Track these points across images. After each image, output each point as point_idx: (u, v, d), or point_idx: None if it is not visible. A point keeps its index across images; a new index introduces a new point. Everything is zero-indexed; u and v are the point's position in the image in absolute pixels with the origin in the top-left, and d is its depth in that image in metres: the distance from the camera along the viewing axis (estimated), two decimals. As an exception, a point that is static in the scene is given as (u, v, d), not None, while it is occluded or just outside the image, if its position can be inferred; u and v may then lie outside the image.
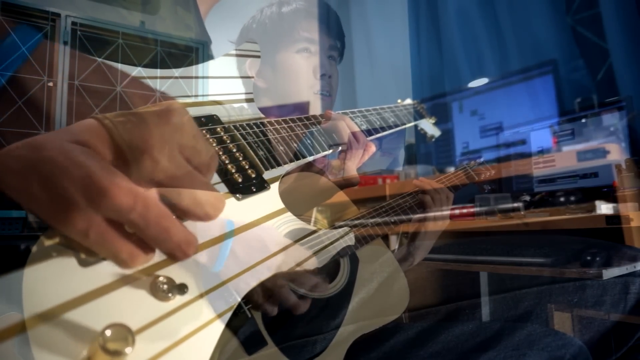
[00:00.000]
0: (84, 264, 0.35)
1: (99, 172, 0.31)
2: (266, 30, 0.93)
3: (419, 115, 1.02)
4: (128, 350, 0.34)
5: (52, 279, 0.34)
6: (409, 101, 1.02)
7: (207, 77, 0.63)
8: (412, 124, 0.97)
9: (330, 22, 0.95)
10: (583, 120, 1.35)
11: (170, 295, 0.39)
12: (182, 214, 0.35)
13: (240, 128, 0.58)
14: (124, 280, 0.37)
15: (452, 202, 0.92)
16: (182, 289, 0.39)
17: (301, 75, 0.90)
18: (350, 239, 0.67)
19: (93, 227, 0.31)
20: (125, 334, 0.34)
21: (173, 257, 0.34)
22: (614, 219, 0.99)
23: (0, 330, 0.32)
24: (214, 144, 0.53)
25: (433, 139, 1.12)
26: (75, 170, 0.30)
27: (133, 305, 0.37)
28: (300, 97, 0.90)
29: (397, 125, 0.91)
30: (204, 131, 0.54)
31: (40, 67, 0.92)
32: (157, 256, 0.38)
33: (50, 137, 0.33)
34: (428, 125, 1.09)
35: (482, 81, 1.73)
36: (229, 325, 0.43)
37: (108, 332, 0.34)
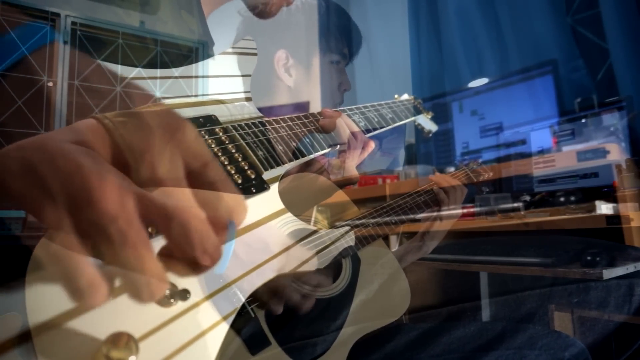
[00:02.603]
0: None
1: (99, 172, 0.30)
2: (313, 28, 0.93)
3: (416, 111, 1.02)
4: (132, 358, 0.33)
5: (53, 286, 0.34)
6: (406, 96, 1.02)
7: (207, 77, 0.63)
8: (409, 119, 0.97)
9: (359, 42, 0.97)
10: (583, 120, 1.35)
11: (172, 301, 0.38)
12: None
13: (239, 128, 0.58)
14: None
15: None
16: (184, 294, 0.39)
17: (329, 87, 0.91)
18: (351, 239, 0.67)
19: (121, 217, 0.28)
20: (129, 341, 0.34)
21: (196, 265, 0.31)
22: (614, 219, 0.99)
23: (1, 333, 0.31)
24: (213, 145, 0.53)
25: (430, 134, 1.12)
26: (75, 170, 0.30)
27: (135, 312, 0.36)
28: (321, 105, 0.91)
29: (394, 122, 0.91)
30: (202, 132, 0.53)
31: (40, 67, 0.92)
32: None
33: (50, 137, 0.32)
34: (425, 121, 1.09)
35: (482, 81, 1.73)
36: (233, 326, 0.43)
37: (111, 341, 0.33)
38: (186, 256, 0.31)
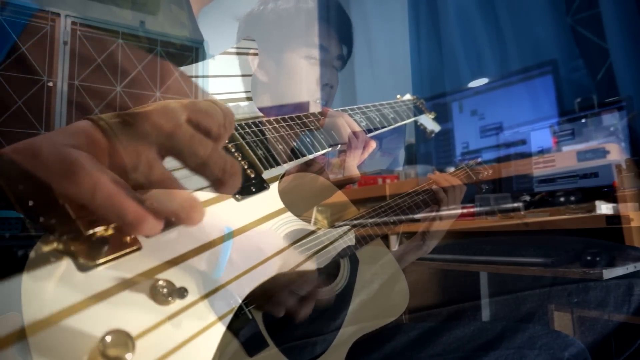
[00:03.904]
0: (82, 269, 0.35)
1: (95, 174, 0.30)
2: (280, 24, 0.92)
3: (418, 111, 1.02)
4: (128, 356, 0.33)
5: (50, 285, 0.34)
6: (408, 96, 1.02)
7: (207, 77, 0.63)
8: (411, 119, 0.97)
9: (343, 29, 0.94)
10: (583, 120, 1.35)
11: (170, 299, 0.38)
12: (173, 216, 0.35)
13: (238, 127, 0.58)
14: (123, 285, 0.36)
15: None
16: (182, 292, 0.39)
17: (304, 82, 0.90)
18: (350, 239, 0.67)
19: (100, 187, 0.31)
20: (126, 339, 0.34)
21: (177, 217, 0.34)
22: (614, 219, 0.98)
23: (1, 333, 0.31)
24: None
25: (433, 135, 1.11)
26: (72, 173, 0.30)
27: (133, 310, 0.36)
28: (299, 101, 0.90)
29: (396, 122, 0.91)
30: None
31: (40, 67, 0.92)
32: (157, 259, 0.38)
33: (45, 140, 0.32)
34: (427, 121, 1.08)
35: (482, 81, 1.73)
36: (230, 327, 0.43)
37: (108, 338, 0.33)
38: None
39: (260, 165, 0.56)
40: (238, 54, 0.66)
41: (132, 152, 0.33)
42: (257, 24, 0.94)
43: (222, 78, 0.64)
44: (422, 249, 0.93)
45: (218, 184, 0.38)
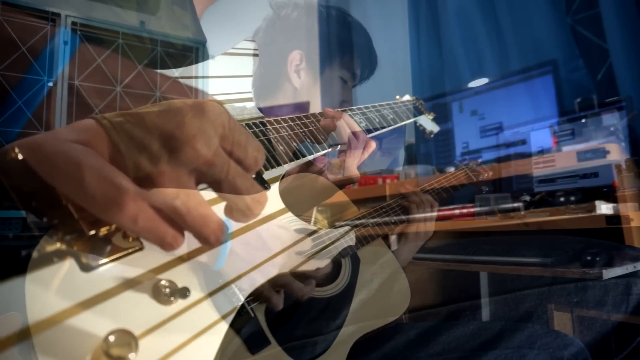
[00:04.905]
0: (85, 268, 0.35)
1: (98, 170, 0.31)
2: (333, 40, 0.95)
3: (417, 112, 1.02)
4: (132, 355, 0.34)
5: (53, 284, 0.34)
6: (407, 97, 1.02)
7: (208, 77, 0.63)
8: (410, 120, 0.97)
9: (372, 65, 0.99)
10: (583, 120, 1.35)
11: (172, 298, 0.39)
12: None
13: (240, 128, 0.58)
14: (126, 285, 0.37)
15: (452, 202, 0.93)
16: (184, 292, 0.39)
17: (332, 101, 0.92)
18: (351, 239, 0.67)
19: (142, 214, 0.31)
20: (129, 339, 0.34)
21: (207, 242, 0.35)
22: (614, 219, 0.98)
23: (2, 333, 0.32)
24: None
25: (432, 135, 1.12)
26: (74, 169, 0.30)
27: (135, 309, 0.37)
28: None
29: (396, 122, 0.91)
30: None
31: (40, 67, 0.92)
32: (160, 259, 0.38)
33: (49, 136, 0.32)
34: (427, 121, 1.09)
35: (482, 81, 1.73)
36: (233, 325, 0.43)
37: (111, 338, 0.33)
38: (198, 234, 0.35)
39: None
40: (242, 55, 0.66)
41: (133, 151, 0.33)
42: (304, 28, 0.96)
43: (224, 79, 0.64)
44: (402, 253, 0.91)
45: (245, 213, 0.38)
